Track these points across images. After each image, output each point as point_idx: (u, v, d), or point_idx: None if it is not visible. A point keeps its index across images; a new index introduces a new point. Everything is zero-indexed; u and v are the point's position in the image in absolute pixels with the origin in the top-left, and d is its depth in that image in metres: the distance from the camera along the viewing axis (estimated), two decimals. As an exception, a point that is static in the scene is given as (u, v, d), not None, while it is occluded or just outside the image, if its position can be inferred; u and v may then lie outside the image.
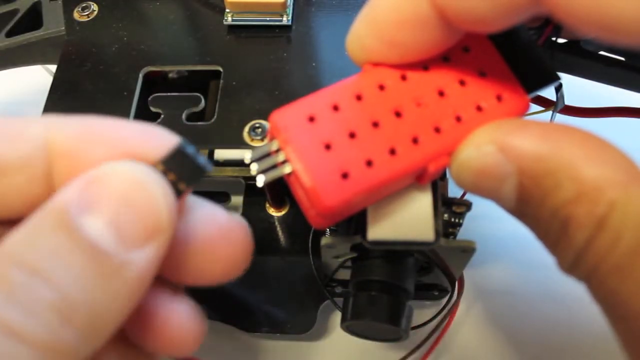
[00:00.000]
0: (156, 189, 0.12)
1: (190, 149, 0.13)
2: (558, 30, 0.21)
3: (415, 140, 0.15)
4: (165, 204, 0.12)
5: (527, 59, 0.17)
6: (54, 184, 0.13)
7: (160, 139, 0.13)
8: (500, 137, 0.14)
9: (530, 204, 0.14)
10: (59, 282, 0.11)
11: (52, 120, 0.14)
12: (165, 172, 0.13)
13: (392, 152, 0.15)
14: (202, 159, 0.13)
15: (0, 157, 0.13)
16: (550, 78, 0.17)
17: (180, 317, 0.14)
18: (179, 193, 0.13)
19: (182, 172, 0.13)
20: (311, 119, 0.15)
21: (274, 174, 0.15)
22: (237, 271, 0.15)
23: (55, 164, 0.13)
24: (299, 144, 0.15)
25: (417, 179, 0.16)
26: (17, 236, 0.11)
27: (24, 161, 0.13)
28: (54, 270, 0.11)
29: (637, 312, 0.12)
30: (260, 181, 0.15)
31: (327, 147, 0.15)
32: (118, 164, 0.12)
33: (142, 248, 0.12)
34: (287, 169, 0.15)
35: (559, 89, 0.21)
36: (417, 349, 0.27)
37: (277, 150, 0.15)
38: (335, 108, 0.15)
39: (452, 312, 0.25)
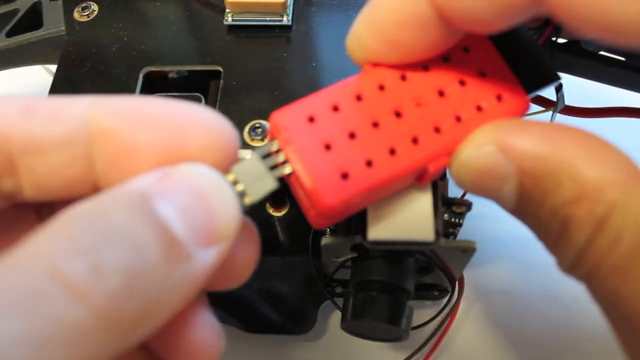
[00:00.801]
0: (229, 196, 0.13)
1: (263, 164, 0.14)
2: (558, 30, 0.21)
3: (415, 141, 0.15)
4: (235, 213, 0.13)
5: (527, 59, 0.17)
6: (94, 166, 0.13)
7: (209, 126, 0.13)
8: (500, 137, 0.14)
9: (531, 204, 0.14)
10: (126, 251, 0.11)
11: (96, 99, 0.13)
12: (236, 182, 0.14)
13: (392, 152, 0.15)
14: (271, 175, 0.14)
15: (41, 136, 0.12)
16: (550, 78, 0.17)
17: (204, 332, 0.14)
18: (242, 206, 0.13)
19: (249, 186, 0.14)
20: (311, 119, 0.15)
21: (274, 175, 0.15)
22: (249, 274, 0.15)
23: (98, 145, 0.13)
24: (299, 144, 0.15)
25: (417, 179, 0.16)
26: (87, 204, 0.11)
27: (65, 140, 0.13)
28: (124, 239, 0.11)
29: (637, 312, 0.12)
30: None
31: (327, 147, 0.15)
32: (196, 166, 0.13)
33: (207, 249, 0.12)
34: (287, 169, 0.15)
35: (559, 89, 0.21)
36: (420, 349, 0.27)
37: (277, 151, 0.15)
38: (335, 108, 0.15)
39: (452, 312, 0.26)
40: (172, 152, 0.13)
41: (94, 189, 0.13)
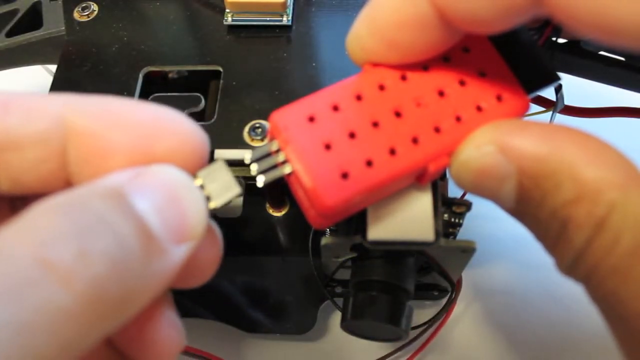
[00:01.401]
0: (198, 198, 0.13)
1: (228, 170, 0.14)
2: (558, 30, 0.21)
3: (415, 140, 0.15)
4: (203, 213, 0.13)
5: (528, 59, 0.17)
6: (68, 162, 0.13)
7: (179, 129, 0.14)
8: (500, 138, 0.14)
9: (530, 204, 0.14)
10: (109, 239, 0.11)
11: (71, 98, 0.14)
12: (202, 186, 0.14)
13: (392, 152, 0.15)
14: (236, 181, 0.14)
15: (16, 131, 0.13)
16: (551, 78, 0.17)
17: (167, 328, 0.14)
18: (207, 209, 0.14)
19: (214, 190, 0.14)
20: (311, 119, 0.15)
21: (274, 174, 0.15)
22: (211, 273, 0.15)
23: (72, 143, 0.13)
24: (299, 144, 0.15)
25: (417, 179, 0.16)
26: (66, 196, 0.11)
27: (40, 136, 0.13)
28: (106, 228, 0.11)
29: (635, 313, 0.12)
30: (260, 181, 0.15)
31: (327, 147, 0.15)
32: (168, 167, 0.13)
33: (178, 245, 0.13)
34: (287, 169, 0.15)
35: (558, 89, 0.21)
36: (406, 345, 0.27)
37: (277, 151, 0.15)
38: (335, 108, 0.15)
39: (447, 311, 0.26)
40: (142, 153, 0.13)
41: (67, 185, 0.14)
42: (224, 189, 0.14)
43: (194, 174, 0.14)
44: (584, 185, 0.13)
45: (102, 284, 0.11)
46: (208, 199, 0.14)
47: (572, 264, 0.13)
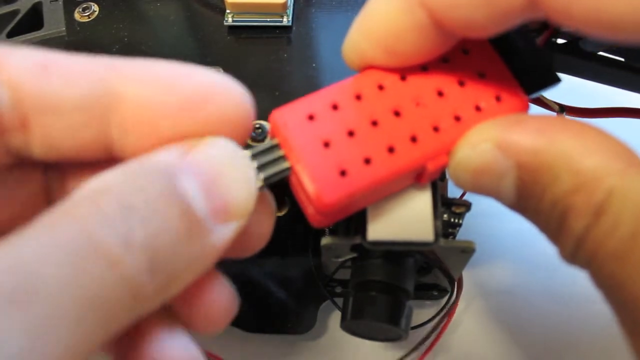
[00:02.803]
0: (248, 174, 0.13)
1: (278, 148, 0.15)
2: (558, 31, 0.21)
3: (413, 139, 0.15)
4: (252, 191, 0.13)
5: (528, 60, 0.17)
6: (110, 130, 0.13)
7: (228, 94, 0.14)
8: (496, 134, 0.14)
9: (530, 198, 0.14)
10: (152, 224, 0.11)
11: (115, 62, 0.13)
12: (254, 157, 0.14)
13: (391, 150, 0.15)
14: (284, 165, 0.15)
15: (56, 96, 0.12)
16: (551, 80, 0.17)
17: (220, 293, 0.14)
18: (259, 181, 0.14)
19: (264, 167, 0.14)
20: (311, 118, 0.15)
21: (273, 171, 0.15)
22: (263, 244, 0.15)
23: (115, 109, 0.13)
24: (298, 142, 0.15)
25: (417, 179, 0.16)
26: (113, 175, 0.11)
27: (80, 101, 0.12)
28: (149, 213, 0.11)
29: (635, 297, 0.12)
30: (260, 178, 0.15)
31: (326, 145, 0.15)
32: (219, 140, 0.13)
33: (224, 224, 0.13)
34: (286, 166, 0.15)
35: None
36: (415, 349, 0.27)
37: (277, 148, 0.15)
38: (335, 107, 0.15)
39: (450, 311, 0.26)
40: (191, 121, 0.13)
41: (106, 152, 0.13)
42: (275, 162, 0.15)
43: (244, 139, 0.14)
44: (582, 175, 0.13)
45: (146, 269, 0.11)
46: (260, 169, 0.14)
47: (573, 251, 0.13)
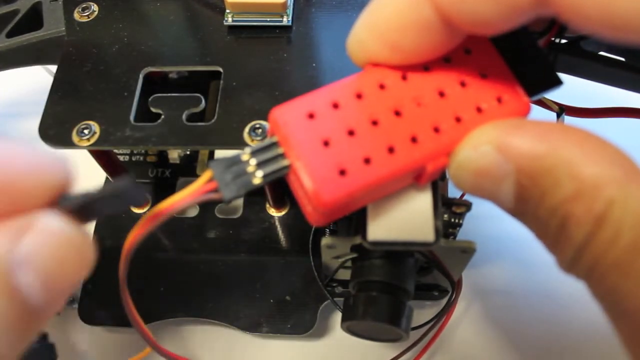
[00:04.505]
0: (87, 251, 0.13)
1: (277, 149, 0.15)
2: (561, 31, 0.21)
3: (414, 140, 0.15)
4: (89, 265, 0.13)
5: (530, 62, 0.17)
6: None
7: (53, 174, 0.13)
8: (498, 137, 0.14)
9: (529, 203, 0.14)
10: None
11: None
12: (249, 159, 0.15)
13: (391, 150, 0.15)
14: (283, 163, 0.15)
15: None
16: (553, 82, 0.17)
17: None
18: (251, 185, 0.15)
19: (263, 165, 0.15)
20: (311, 116, 0.15)
21: (272, 168, 0.15)
22: None
23: None
24: (298, 140, 0.15)
25: (416, 179, 0.16)
26: None
27: None
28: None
29: (637, 308, 0.12)
30: (259, 175, 0.15)
31: (326, 143, 0.15)
32: (50, 218, 0.12)
33: (59, 301, 0.12)
34: (285, 165, 0.15)
35: None
36: (412, 347, 0.27)
37: (277, 146, 0.15)
38: (335, 106, 0.15)
39: (449, 311, 0.26)
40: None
41: None
42: (274, 160, 0.15)
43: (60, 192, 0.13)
44: (583, 181, 0.13)
45: None
46: (258, 167, 0.14)
47: (572, 261, 0.13)
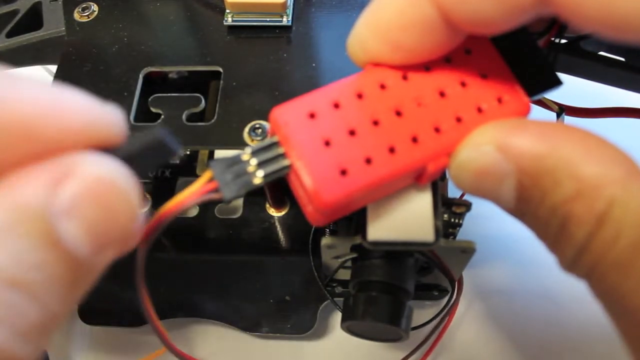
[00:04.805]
0: (132, 195, 0.12)
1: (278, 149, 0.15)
2: (561, 31, 0.21)
3: (414, 140, 0.15)
4: (135, 215, 0.12)
5: (530, 62, 0.17)
6: None
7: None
8: (498, 137, 0.14)
9: (530, 203, 0.14)
10: (44, 298, 0.11)
11: None
12: (249, 159, 0.14)
13: (392, 150, 0.15)
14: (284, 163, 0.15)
15: None
16: (553, 82, 0.17)
17: None
18: (252, 185, 0.14)
19: (263, 165, 0.15)
20: (312, 116, 0.15)
21: (272, 168, 0.15)
22: None
23: None
24: (298, 140, 0.15)
25: (417, 179, 0.16)
26: None
27: None
28: (39, 285, 0.11)
29: (638, 307, 0.12)
30: (260, 175, 0.15)
31: (327, 143, 0.15)
32: (93, 162, 0.11)
33: (108, 251, 0.12)
34: (286, 164, 0.15)
35: None
36: (417, 349, 0.27)
37: (277, 146, 0.15)
38: (336, 106, 0.15)
39: (451, 312, 0.26)
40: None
41: None
42: (275, 160, 0.15)
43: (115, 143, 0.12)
44: (583, 181, 0.13)
45: (38, 345, 0.11)
46: (259, 166, 0.14)
47: (573, 261, 0.13)
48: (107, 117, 0.12)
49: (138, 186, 0.12)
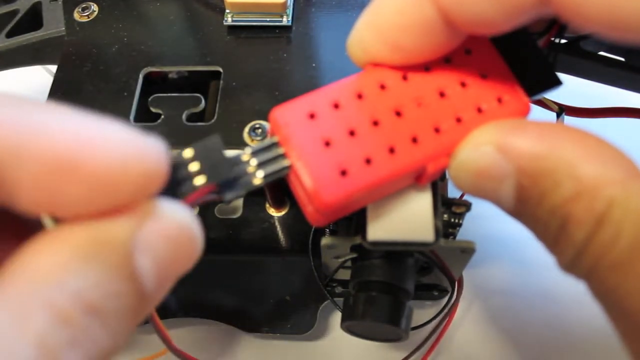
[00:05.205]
0: (198, 240, 0.13)
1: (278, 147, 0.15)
2: (561, 31, 0.21)
3: (414, 140, 0.15)
4: (197, 256, 0.13)
5: (530, 62, 0.17)
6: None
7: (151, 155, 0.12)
8: (498, 137, 0.14)
9: (529, 203, 0.14)
10: (115, 326, 0.11)
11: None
12: (249, 159, 0.14)
13: (391, 150, 0.15)
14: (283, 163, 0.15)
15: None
16: (553, 82, 0.17)
17: None
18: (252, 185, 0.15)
19: (263, 165, 0.15)
20: (312, 116, 0.15)
21: (272, 169, 0.15)
22: None
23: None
24: (298, 141, 0.15)
25: (416, 180, 0.16)
26: (78, 269, 0.11)
27: None
28: (113, 314, 0.11)
29: (637, 308, 0.12)
30: (260, 175, 0.15)
31: (327, 144, 0.15)
32: (168, 203, 0.12)
33: (167, 287, 0.12)
34: (286, 165, 0.15)
35: None
36: (417, 349, 0.27)
37: (277, 146, 0.15)
38: (336, 106, 0.15)
39: (451, 312, 0.26)
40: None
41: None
42: (275, 160, 0.15)
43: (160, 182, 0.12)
44: (583, 182, 0.13)
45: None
46: (259, 167, 0.14)
47: (573, 261, 0.13)
48: (161, 158, 0.12)
49: (200, 230, 0.13)
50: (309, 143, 0.15)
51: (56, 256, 0.11)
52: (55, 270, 0.10)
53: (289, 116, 0.15)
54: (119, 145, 0.11)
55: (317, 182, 0.14)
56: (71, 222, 0.11)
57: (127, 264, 0.11)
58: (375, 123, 0.15)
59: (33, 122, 0.10)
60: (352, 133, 0.15)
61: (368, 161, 0.15)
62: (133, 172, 0.11)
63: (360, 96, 0.16)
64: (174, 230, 0.12)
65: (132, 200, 0.11)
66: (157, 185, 0.12)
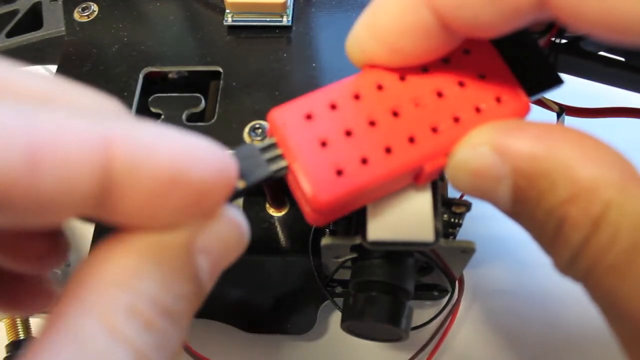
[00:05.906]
0: (247, 236, 0.13)
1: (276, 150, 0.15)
2: (562, 32, 0.21)
3: (411, 140, 0.15)
4: (240, 254, 0.14)
5: (530, 61, 0.17)
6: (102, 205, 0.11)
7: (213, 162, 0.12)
8: (496, 138, 0.14)
9: (526, 204, 0.14)
10: (184, 326, 0.12)
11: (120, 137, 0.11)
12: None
13: (388, 150, 0.15)
14: (267, 164, 0.15)
15: (47, 196, 0.10)
16: (553, 81, 0.17)
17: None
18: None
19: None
20: (309, 117, 0.15)
21: (271, 169, 0.15)
22: None
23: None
24: (295, 141, 0.15)
25: (415, 179, 0.16)
26: (149, 274, 0.11)
27: (73, 199, 0.10)
28: (183, 314, 0.12)
29: (635, 311, 0.12)
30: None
31: (323, 144, 0.15)
32: (231, 209, 0.13)
33: (211, 286, 0.13)
34: (283, 165, 0.15)
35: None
36: (422, 350, 0.27)
37: (275, 147, 0.15)
38: (333, 107, 0.15)
39: (453, 312, 0.26)
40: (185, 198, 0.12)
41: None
42: (272, 161, 0.15)
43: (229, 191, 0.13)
44: (580, 184, 0.13)
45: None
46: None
47: (569, 263, 0.13)
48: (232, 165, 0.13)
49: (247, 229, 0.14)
50: (306, 144, 0.15)
51: (128, 262, 0.11)
52: (130, 276, 0.11)
53: (286, 117, 0.15)
54: (211, 157, 0.12)
55: (313, 182, 0.15)
56: (131, 230, 0.12)
57: (190, 265, 0.12)
58: (372, 123, 0.15)
59: (144, 140, 0.11)
60: (348, 133, 0.15)
61: (364, 161, 0.15)
62: (222, 182, 0.12)
63: (357, 97, 0.16)
64: (230, 232, 0.13)
65: (217, 207, 0.12)
66: (231, 191, 0.13)
